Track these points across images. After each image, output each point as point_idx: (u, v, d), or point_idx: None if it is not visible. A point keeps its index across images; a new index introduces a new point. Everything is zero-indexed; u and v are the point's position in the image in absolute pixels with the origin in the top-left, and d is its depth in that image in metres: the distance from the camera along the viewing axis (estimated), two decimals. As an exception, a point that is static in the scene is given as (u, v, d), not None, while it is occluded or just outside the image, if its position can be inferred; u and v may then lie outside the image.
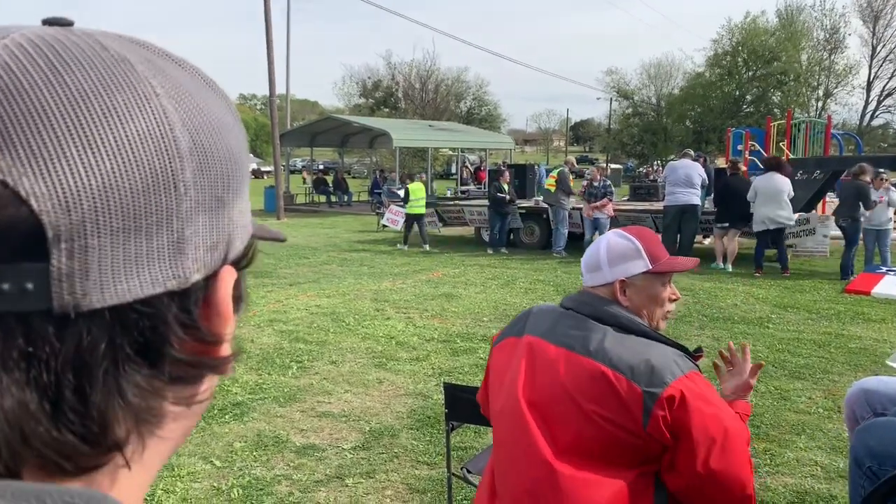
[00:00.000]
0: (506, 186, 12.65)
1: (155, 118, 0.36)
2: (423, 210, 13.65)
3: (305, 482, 3.62)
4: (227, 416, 4.50)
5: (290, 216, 20.44)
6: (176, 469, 3.72)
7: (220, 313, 0.41)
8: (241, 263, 0.44)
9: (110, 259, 0.34)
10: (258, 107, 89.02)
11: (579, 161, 65.88)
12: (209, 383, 0.42)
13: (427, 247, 13.29)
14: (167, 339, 0.37)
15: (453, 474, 3.02)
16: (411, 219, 13.59)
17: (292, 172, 32.48)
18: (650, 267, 1.73)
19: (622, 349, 1.59)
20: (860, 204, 9.53)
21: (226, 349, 0.42)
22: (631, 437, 1.54)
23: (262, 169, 54.47)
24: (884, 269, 9.95)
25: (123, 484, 0.39)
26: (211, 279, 0.40)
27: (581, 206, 12.17)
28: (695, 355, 1.68)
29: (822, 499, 3.46)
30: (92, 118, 0.34)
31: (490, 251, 12.75)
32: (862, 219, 9.68)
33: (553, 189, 12.33)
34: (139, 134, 0.35)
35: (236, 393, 4.94)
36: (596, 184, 11.92)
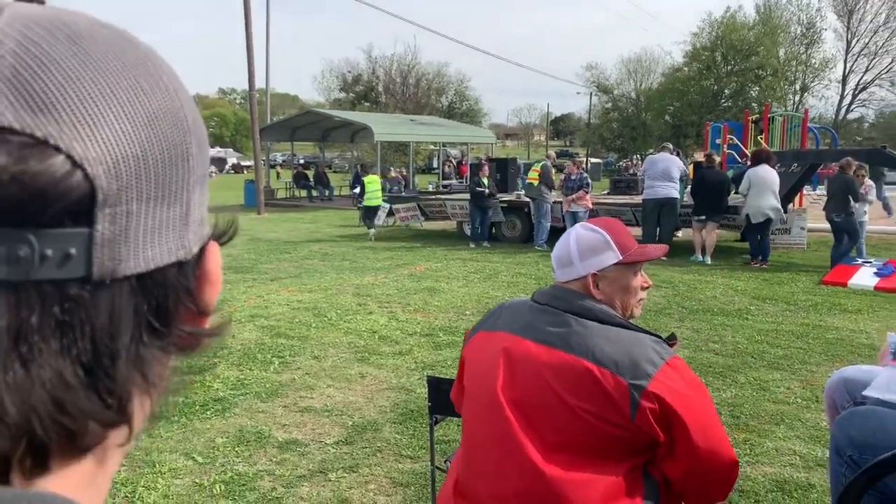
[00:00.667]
0: (486, 181, 12.67)
1: (168, 94, 0.38)
2: (379, 202, 14.21)
3: (288, 477, 3.61)
4: (208, 412, 4.47)
5: (270, 211, 20.32)
6: (157, 466, 3.69)
7: (211, 282, 0.42)
8: (222, 238, 0.45)
9: (143, 226, 0.36)
10: (238, 101, 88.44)
11: (560, 155, 66.02)
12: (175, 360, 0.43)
13: (373, 239, 13.67)
14: (176, 309, 0.39)
15: (437, 467, 3.02)
16: (370, 211, 14.20)
17: (272, 167, 32.30)
18: (621, 258, 1.73)
19: (604, 343, 1.59)
20: (850, 198, 9.66)
21: (211, 321, 0.43)
22: (619, 430, 1.55)
23: (242, 163, 54.08)
24: (859, 260, 10.09)
25: (113, 459, 0.39)
26: (201, 252, 0.42)
27: (562, 199, 12.23)
28: (669, 343, 1.69)
29: (801, 487, 3.50)
30: (124, 92, 0.35)
31: (472, 245, 12.75)
32: (854, 212, 9.83)
33: (536, 183, 12.37)
34: (161, 108, 0.37)
35: (217, 389, 4.91)
36: (573, 177, 11.99)
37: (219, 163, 57.09)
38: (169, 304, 0.38)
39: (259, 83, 22.74)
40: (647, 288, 1.83)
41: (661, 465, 1.62)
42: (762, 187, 10.05)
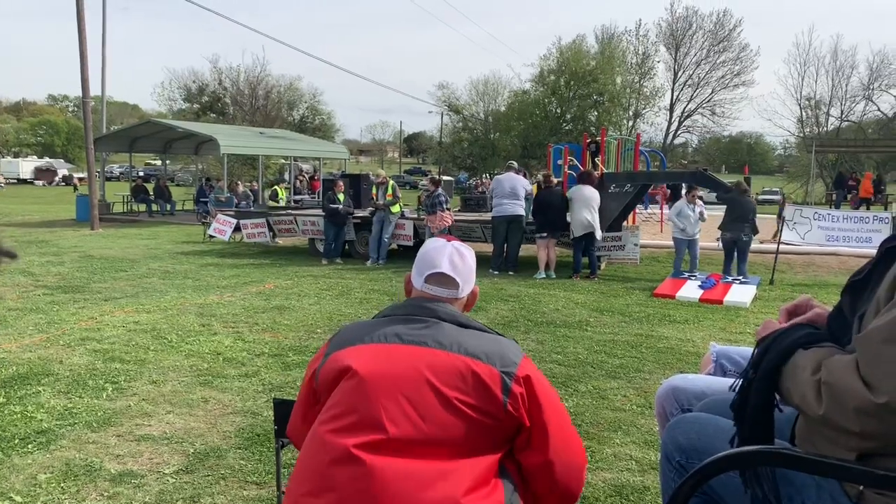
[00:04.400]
0: (341, 196, 12.58)
1: None
2: None
3: (121, 513, 3.35)
4: (29, 446, 4.07)
5: (105, 226, 19.02)
6: (-34, 510, 3.31)
7: None
8: None
9: None
10: (70, 109, 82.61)
11: (412, 173, 66.87)
12: None
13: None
14: None
15: (283, 492, 2.91)
16: None
17: (108, 179, 30.34)
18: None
19: (470, 339, 1.74)
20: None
21: None
22: (492, 420, 1.65)
23: (75, 175, 50.39)
24: (686, 274, 10.93)
25: None
26: None
27: (426, 217, 12.41)
28: None
29: (636, 490, 3.70)
30: None
31: (325, 262, 12.58)
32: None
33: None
34: None
35: (41, 420, 4.49)
36: (436, 194, 12.21)
37: (47, 174, 52.91)
38: None
39: (94, 90, 21.30)
40: None
41: (520, 455, 1.73)
42: (582, 203, 11.00)
